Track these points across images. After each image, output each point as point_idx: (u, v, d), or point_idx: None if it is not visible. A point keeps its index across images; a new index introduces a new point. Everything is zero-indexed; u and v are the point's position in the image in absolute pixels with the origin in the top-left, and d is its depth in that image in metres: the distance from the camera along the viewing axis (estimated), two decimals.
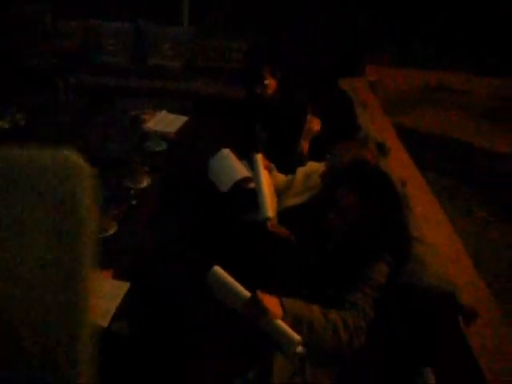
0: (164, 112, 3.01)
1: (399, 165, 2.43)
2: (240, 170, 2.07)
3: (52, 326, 0.60)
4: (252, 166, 1.94)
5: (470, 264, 1.91)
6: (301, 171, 1.93)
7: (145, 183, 2.23)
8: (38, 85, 3.30)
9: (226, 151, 2.14)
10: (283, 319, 1.14)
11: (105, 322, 1.39)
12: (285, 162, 2.03)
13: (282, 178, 1.95)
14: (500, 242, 2.67)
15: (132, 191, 2.16)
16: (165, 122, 2.90)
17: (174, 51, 4.01)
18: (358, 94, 3.04)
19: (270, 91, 2.28)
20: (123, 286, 1.55)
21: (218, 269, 1.25)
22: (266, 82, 2.28)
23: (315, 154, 1.98)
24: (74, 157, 0.58)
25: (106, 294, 1.51)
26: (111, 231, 1.84)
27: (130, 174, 2.22)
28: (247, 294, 1.19)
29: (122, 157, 2.44)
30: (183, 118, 2.95)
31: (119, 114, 3.01)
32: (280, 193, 1.89)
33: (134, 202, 2.09)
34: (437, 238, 1.73)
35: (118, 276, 1.60)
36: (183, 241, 1.91)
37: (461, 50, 5.53)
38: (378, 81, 4.14)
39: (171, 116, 3.00)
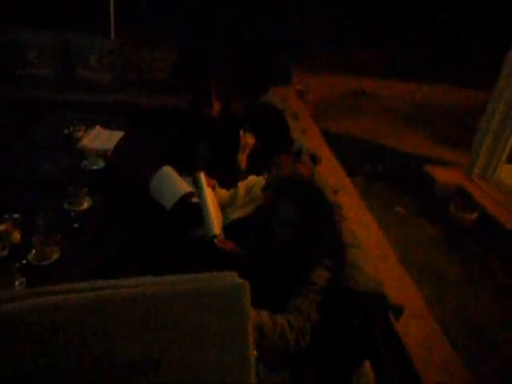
0: (98, 127, 2.95)
1: (330, 172, 2.64)
2: (182, 185, 2.13)
3: None
4: (195, 184, 2.01)
5: (396, 260, 2.15)
6: (242, 185, 2.03)
7: (85, 205, 2.19)
8: None
9: (167, 168, 2.18)
10: None
11: None
12: (226, 177, 2.12)
13: (224, 193, 2.05)
14: (418, 234, 2.99)
15: (73, 214, 2.13)
16: (100, 138, 2.86)
17: (103, 63, 3.94)
18: (289, 104, 3.22)
19: (215, 112, 2.38)
20: None
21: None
22: (214, 103, 2.37)
23: (255, 167, 2.10)
24: (235, 276, 0.74)
25: None
26: (54, 257, 1.80)
27: (70, 197, 2.18)
28: None
29: (59, 178, 2.39)
30: (119, 134, 2.92)
31: (49, 131, 2.92)
32: (224, 207, 1.98)
33: (75, 225, 2.06)
34: (367, 240, 1.93)
35: None
36: (130, 259, 1.93)
37: (383, 55, 5.96)
38: (304, 89, 4.38)
39: (106, 132, 2.95)
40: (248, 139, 2.33)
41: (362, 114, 4.84)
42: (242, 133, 2.33)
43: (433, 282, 2.39)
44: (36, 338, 0.67)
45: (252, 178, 2.08)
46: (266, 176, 2.00)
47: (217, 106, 2.38)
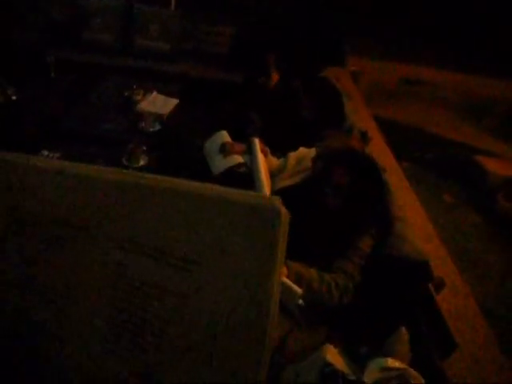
0: (155, 93, 3.08)
1: (379, 153, 2.63)
2: (233, 156, 2.20)
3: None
4: (249, 148, 2.08)
5: (439, 243, 2.14)
6: (292, 156, 2.09)
7: (142, 162, 2.34)
8: (26, 59, 3.31)
9: (223, 133, 2.27)
10: (287, 277, 1.32)
11: None
12: (278, 147, 2.17)
13: (275, 161, 2.11)
14: (464, 222, 2.96)
15: (130, 169, 2.27)
16: (157, 103, 2.99)
17: (162, 33, 4.05)
18: (342, 84, 3.21)
19: (272, 82, 2.43)
20: None
21: None
22: (273, 74, 2.42)
23: (306, 140, 2.14)
24: (278, 201, 0.68)
25: None
26: None
27: (128, 154, 2.32)
28: None
29: (118, 137, 2.54)
30: (174, 101, 3.04)
31: (110, 94, 3.08)
32: (273, 175, 2.05)
33: None
34: (412, 220, 1.94)
35: None
36: None
37: (442, 46, 5.77)
38: (360, 72, 4.33)
39: (162, 97, 3.07)
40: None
41: (414, 102, 4.74)
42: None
43: (474, 268, 2.37)
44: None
45: (303, 150, 2.13)
46: (317, 148, 2.04)
47: (275, 77, 2.42)
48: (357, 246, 1.46)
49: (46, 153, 2.28)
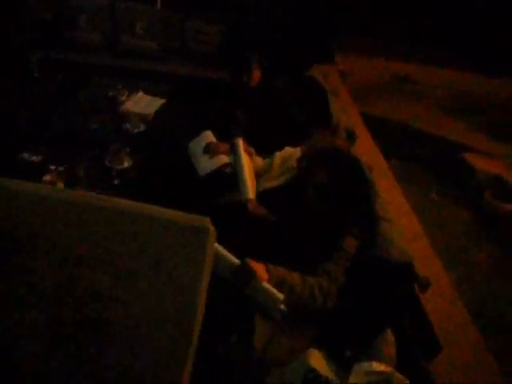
0: (140, 93, 3.05)
1: (366, 151, 2.62)
2: (218, 156, 2.17)
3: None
4: (233, 149, 2.05)
5: (426, 242, 2.14)
6: (278, 155, 2.06)
7: (126, 164, 2.29)
8: (11, 59, 3.25)
9: (208, 134, 2.24)
10: (268, 282, 1.30)
11: None
12: (263, 147, 2.14)
13: (260, 161, 2.09)
14: (452, 220, 2.96)
15: (113, 171, 2.23)
16: (142, 103, 2.95)
17: (148, 31, 4.00)
18: (329, 82, 3.20)
19: (255, 80, 2.41)
20: None
21: None
22: (254, 71, 2.40)
23: (292, 140, 2.12)
24: (207, 221, 0.79)
25: None
26: None
27: (111, 155, 2.28)
28: (236, 260, 1.33)
29: (102, 138, 2.50)
30: (160, 100, 3.00)
31: (94, 94, 3.03)
32: (259, 175, 2.02)
33: (115, 182, 2.17)
34: (399, 219, 1.93)
35: None
36: None
37: (433, 44, 5.77)
38: (347, 70, 4.31)
39: (148, 98, 3.04)
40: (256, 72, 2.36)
41: (403, 99, 4.74)
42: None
43: (461, 266, 2.37)
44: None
45: (288, 149, 2.10)
46: (302, 148, 2.02)
47: (257, 75, 2.39)
48: (341, 248, 1.44)
49: (26, 156, 2.23)
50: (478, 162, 3.41)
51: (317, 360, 1.24)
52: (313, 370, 1.20)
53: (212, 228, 0.77)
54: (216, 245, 1.37)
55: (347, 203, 1.51)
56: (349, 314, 1.35)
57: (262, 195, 1.95)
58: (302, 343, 1.33)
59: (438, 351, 1.26)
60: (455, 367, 1.31)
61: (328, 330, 1.35)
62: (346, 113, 2.77)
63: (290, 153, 2.06)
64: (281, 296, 1.27)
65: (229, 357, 1.32)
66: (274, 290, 1.28)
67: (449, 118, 4.48)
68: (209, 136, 2.26)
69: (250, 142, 2.13)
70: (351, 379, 1.20)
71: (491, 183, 3.22)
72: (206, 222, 0.78)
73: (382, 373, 1.20)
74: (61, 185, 2.02)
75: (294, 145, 2.09)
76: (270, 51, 2.59)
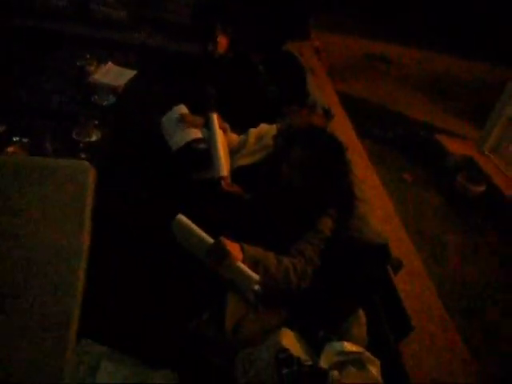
0: (110, 64, 2.90)
1: (341, 131, 2.60)
2: (192, 130, 2.10)
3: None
4: (207, 124, 1.99)
5: (398, 222, 2.16)
6: (253, 132, 2.01)
7: (94, 137, 2.20)
8: None
9: (180, 107, 2.15)
10: (243, 262, 1.27)
11: None
12: (237, 121, 2.08)
13: (235, 138, 2.03)
14: (423, 202, 3.00)
15: (81, 144, 2.13)
16: (112, 74, 2.81)
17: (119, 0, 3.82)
18: (305, 58, 3.14)
19: (221, 49, 2.32)
20: None
21: (182, 217, 1.33)
22: (218, 39, 2.31)
23: (268, 117, 2.07)
24: (86, 163, 1.01)
25: None
26: None
27: (79, 128, 2.18)
28: (210, 239, 1.29)
29: (69, 110, 2.37)
30: (131, 72, 2.87)
31: (62, 64, 2.87)
32: (233, 152, 1.97)
33: (83, 156, 2.07)
34: (373, 200, 1.93)
35: None
36: (135, 195, 1.94)
37: (409, 25, 5.74)
38: (322, 46, 4.25)
39: (117, 68, 2.90)
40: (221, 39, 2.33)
41: (379, 79, 4.73)
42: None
43: (431, 247, 2.41)
44: None
45: (264, 126, 2.05)
46: (278, 125, 1.97)
47: (223, 42, 2.31)
48: (317, 229, 1.41)
49: None
50: (451, 145, 3.44)
51: (289, 340, 1.23)
52: (285, 350, 1.19)
53: (93, 169, 1.00)
54: (189, 222, 1.33)
55: (323, 182, 1.48)
56: (322, 294, 1.34)
57: (236, 172, 1.90)
58: (274, 323, 1.31)
59: (409, 331, 1.27)
60: (425, 347, 1.33)
61: (301, 310, 1.34)
62: (322, 90, 2.73)
63: (266, 130, 2.02)
64: (256, 276, 1.25)
65: (199, 333, 1.29)
66: (249, 271, 1.26)
67: (424, 99, 4.50)
68: (182, 109, 2.17)
69: (223, 117, 2.06)
70: (323, 359, 1.20)
71: (463, 165, 3.26)
72: (86, 164, 1.02)
73: (353, 353, 1.20)
74: None
75: (269, 122, 2.05)
76: (234, 17, 2.49)
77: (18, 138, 2.00)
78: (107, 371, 1.13)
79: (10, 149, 1.93)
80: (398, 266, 1.43)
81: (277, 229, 1.44)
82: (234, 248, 1.27)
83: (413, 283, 1.59)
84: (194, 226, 1.31)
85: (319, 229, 1.41)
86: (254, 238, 1.36)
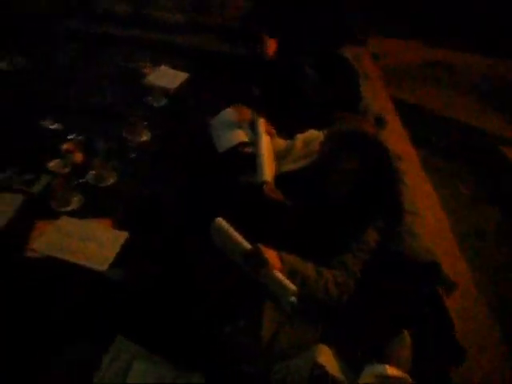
0: (163, 67, 2.97)
1: (395, 139, 2.47)
2: (239, 133, 2.09)
3: None
4: (253, 128, 1.96)
5: (452, 237, 2.01)
6: (300, 138, 1.96)
7: (144, 137, 2.25)
8: (37, 29, 3.22)
9: (229, 111, 2.15)
10: (280, 271, 1.22)
11: (104, 266, 1.46)
12: (284, 126, 2.05)
13: (281, 143, 1.99)
14: (481, 218, 2.80)
15: (130, 144, 2.18)
16: (165, 77, 2.88)
17: (175, 3, 3.92)
18: (361, 64, 3.04)
19: (270, 52, 2.30)
20: (122, 236, 1.60)
21: (221, 220, 1.31)
22: (266, 42, 2.30)
23: (315, 122, 2.01)
24: None
25: (105, 242, 1.57)
26: (111, 181, 1.89)
27: (130, 128, 2.23)
28: (248, 245, 1.26)
29: (122, 110, 2.44)
30: (183, 75, 2.92)
31: (117, 65, 2.97)
32: (279, 157, 1.93)
33: (133, 155, 2.12)
34: (426, 212, 1.81)
35: (117, 225, 1.66)
36: (181, 195, 1.95)
37: (467, 31, 5.46)
38: (380, 52, 4.12)
39: (171, 71, 2.96)
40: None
41: (437, 86, 4.51)
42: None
43: (489, 269, 2.23)
44: None
45: (312, 132, 2.00)
46: (327, 131, 1.91)
47: (272, 45, 2.29)
48: (361, 240, 1.34)
49: (45, 123, 2.21)
50: None
51: (326, 356, 1.17)
52: (320, 367, 1.13)
53: None
54: (228, 226, 1.31)
55: (372, 193, 1.40)
56: (363, 310, 1.26)
57: (280, 178, 1.86)
58: (310, 337, 1.25)
59: (462, 357, 1.16)
60: (476, 372, 1.21)
61: (340, 326, 1.27)
62: (376, 97, 2.63)
63: (314, 136, 1.96)
64: (293, 287, 1.20)
65: (234, 340, 1.26)
66: (286, 281, 1.21)
67: (485, 107, 4.23)
68: (230, 113, 2.17)
69: (271, 121, 2.03)
70: (360, 380, 1.13)
71: None
72: None
73: (394, 378, 1.12)
74: (79, 154, 1.99)
75: (317, 127, 1.99)
76: (283, 25, 2.47)
77: (72, 136, 2.09)
78: (140, 371, 1.12)
79: (65, 146, 2.01)
80: (450, 286, 1.32)
81: (318, 238, 1.38)
82: (271, 256, 1.22)
83: (465, 304, 1.46)
84: (232, 230, 1.29)
85: (364, 240, 1.33)
86: (293, 246, 1.31)
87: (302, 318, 1.26)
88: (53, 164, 1.93)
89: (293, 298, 1.19)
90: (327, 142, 1.73)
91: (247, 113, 2.06)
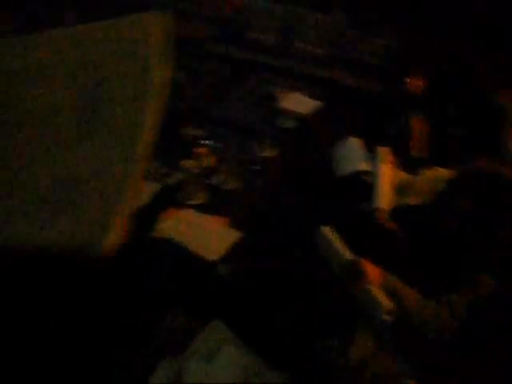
0: (297, 93, 3.13)
1: None
2: (362, 162, 2.10)
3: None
4: (375, 156, 1.97)
5: None
6: (425, 174, 1.91)
7: (268, 153, 2.40)
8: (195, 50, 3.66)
9: (354, 140, 2.19)
10: (380, 288, 1.20)
11: (214, 257, 1.58)
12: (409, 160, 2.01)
13: (403, 175, 1.95)
14: None
15: (257, 157, 2.35)
16: (298, 102, 3.02)
17: (318, 38, 4.10)
18: None
19: (416, 90, 2.29)
20: (235, 234, 1.72)
21: (327, 228, 1.35)
22: (411, 80, 2.29)
23: (444, 158, 1.94)
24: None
25: (219, 237, 1.70)
26: (234, 185, 2.08)
27: (258, 142, 2.41)
28: (350, 255, 1.27)
29: (255, 127, 2.65)
30: (316, 103, 3.04)
31: (256, 88, 3.24)
32: (400, 190, 1.90)
33: (256, 167, 2.28)
34: None
35: (232, 225, 1.79)
36: (297, 209, 2.03)
37: None
38: None
39: (304, 98, 3.09)
40: (415, 123, 2.18)
41: None
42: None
43: None
44: None
45: (438, 170, 1.92)
46: (455, 171, 1.82)
47: (419, 84, 2.26)
48: (473, 282, 1.24)
49: (190, 130, 2.49)
50: None
51: None
52: None
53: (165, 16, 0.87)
54: (333, 234, 1.33)
55: (489, 239, 1.30)
56: (465, 355, 1.16)
57: (397, 210, 1.82)
58: (401, 371, 1.19)
59: None
60: None
61: (436, 367, 1.18)
62: None
63: (439, 173, 1.89)
64: (388, 304, 1.16)
65: (327, 359, 1.26)
66: (383, 297, 1.18)
67: None
68: (355, 142, 2.20)
69: (397, 153, 2.01)
70: None
71: None
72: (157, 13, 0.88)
73: None
74: (211, 159, 2.20)
75: (446, 165, 1.91)
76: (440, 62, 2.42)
77: (207, 142, 2.32)
78: (227, 356, 1.18)
79: (201, 150, 2.24)
80: None
81: (425, 273, 1.32)
82: (374, 271, 1.21)
83: None
84: (336, 239, 1.31)
85: (475, 283, 1.24)
86: (398, 274, 1.28)
87: (394, 343, 1.21)
88: (187, 163, 2.17)
89: (388, 316, 1.16)
90: (456, 181, 1.66)
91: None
